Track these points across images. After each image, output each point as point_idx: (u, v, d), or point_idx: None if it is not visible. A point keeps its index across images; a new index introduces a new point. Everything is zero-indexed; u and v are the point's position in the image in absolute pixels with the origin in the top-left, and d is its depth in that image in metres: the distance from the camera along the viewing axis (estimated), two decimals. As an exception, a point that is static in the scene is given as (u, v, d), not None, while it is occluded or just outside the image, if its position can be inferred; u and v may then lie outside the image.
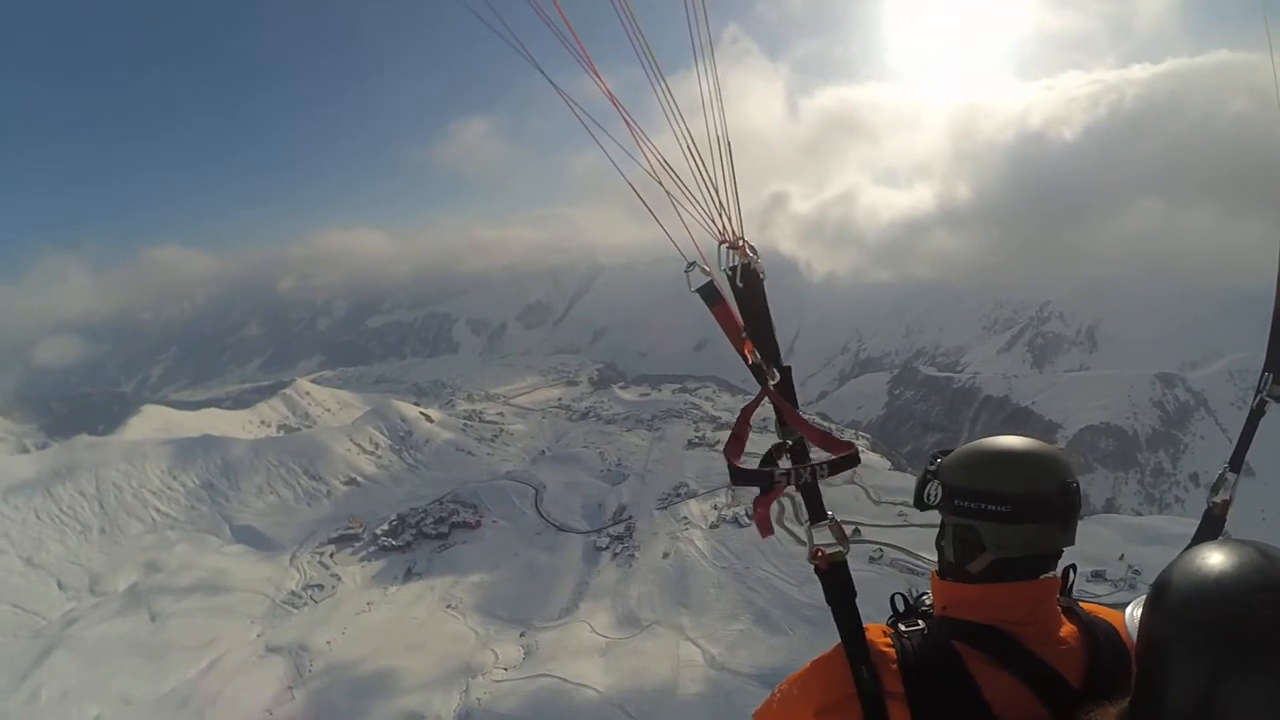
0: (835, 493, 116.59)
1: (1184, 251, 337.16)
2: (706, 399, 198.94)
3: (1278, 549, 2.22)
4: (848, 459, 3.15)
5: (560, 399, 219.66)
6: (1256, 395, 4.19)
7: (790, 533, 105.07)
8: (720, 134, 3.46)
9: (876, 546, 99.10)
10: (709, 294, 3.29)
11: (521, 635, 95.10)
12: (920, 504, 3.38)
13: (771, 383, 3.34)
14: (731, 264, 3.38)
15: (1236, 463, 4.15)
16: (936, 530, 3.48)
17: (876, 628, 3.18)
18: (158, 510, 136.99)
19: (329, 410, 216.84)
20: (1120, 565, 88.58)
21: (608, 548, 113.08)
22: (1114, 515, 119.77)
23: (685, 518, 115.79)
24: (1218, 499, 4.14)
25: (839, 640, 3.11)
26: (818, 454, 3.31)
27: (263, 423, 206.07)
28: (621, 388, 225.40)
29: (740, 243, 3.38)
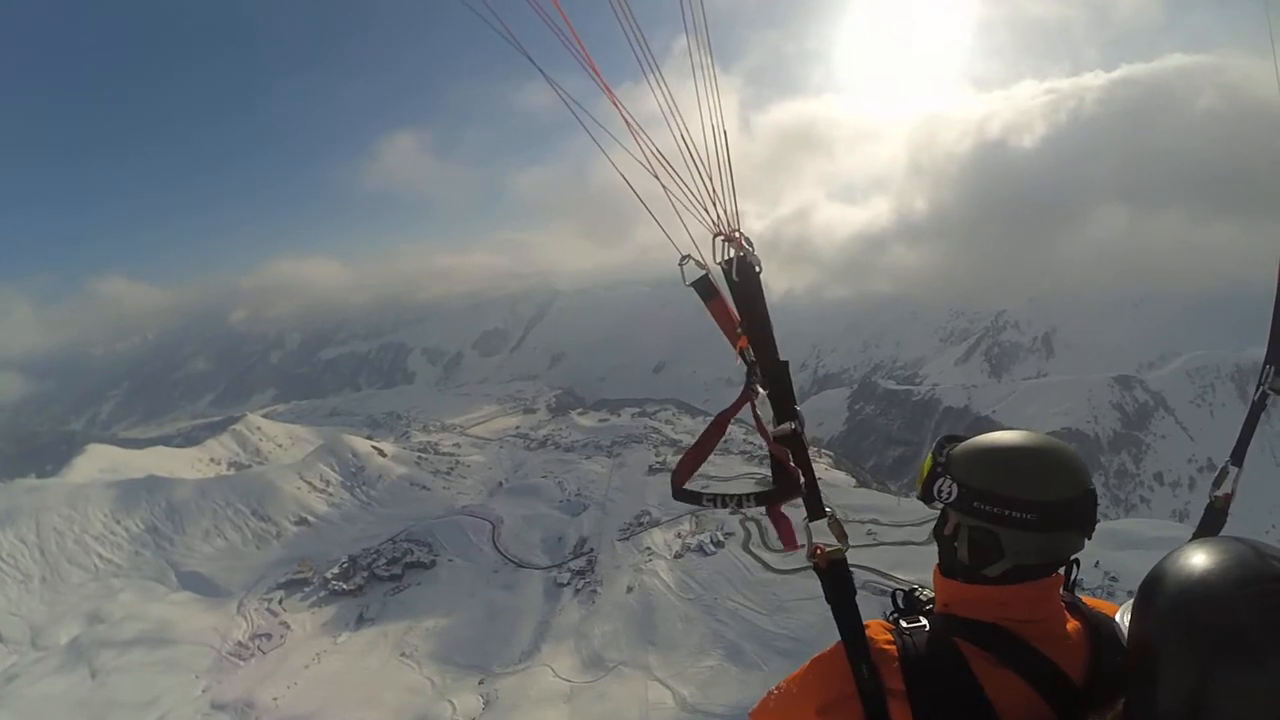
0: (800, 513, 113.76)
1: (1144, 257, 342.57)
2: (666, 422, 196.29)
3: (1267, 544, 2.28)
4: (779, 491, 3.25)
5: (518, 427, 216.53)
6: (1258, 388, 4.05)
7: (758, 559, 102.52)
8: (716, 124, 3.37)
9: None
10: (704, 288, 3.33)
11: (480, 683, 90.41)
12: (928, 500, 3.25)
13: (760, 390, 3.29)
14: (727, 257, 3.32)
15: (1238, 456, 4.01)
16: (935, 521, 3.40)
17: (878, 624, 3.18)
18: (100, 556, 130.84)
19: (281, 446, 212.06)
20: (1096, 573, 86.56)
21: (569, 583, 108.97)
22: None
23: (649, 548, 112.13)
24: (1219, 493, 3.98)
25: (839, 639, 3.13)
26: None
27: (212, 460, 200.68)
28: (580, 414, 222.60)
29: (736, 235, 3.32)
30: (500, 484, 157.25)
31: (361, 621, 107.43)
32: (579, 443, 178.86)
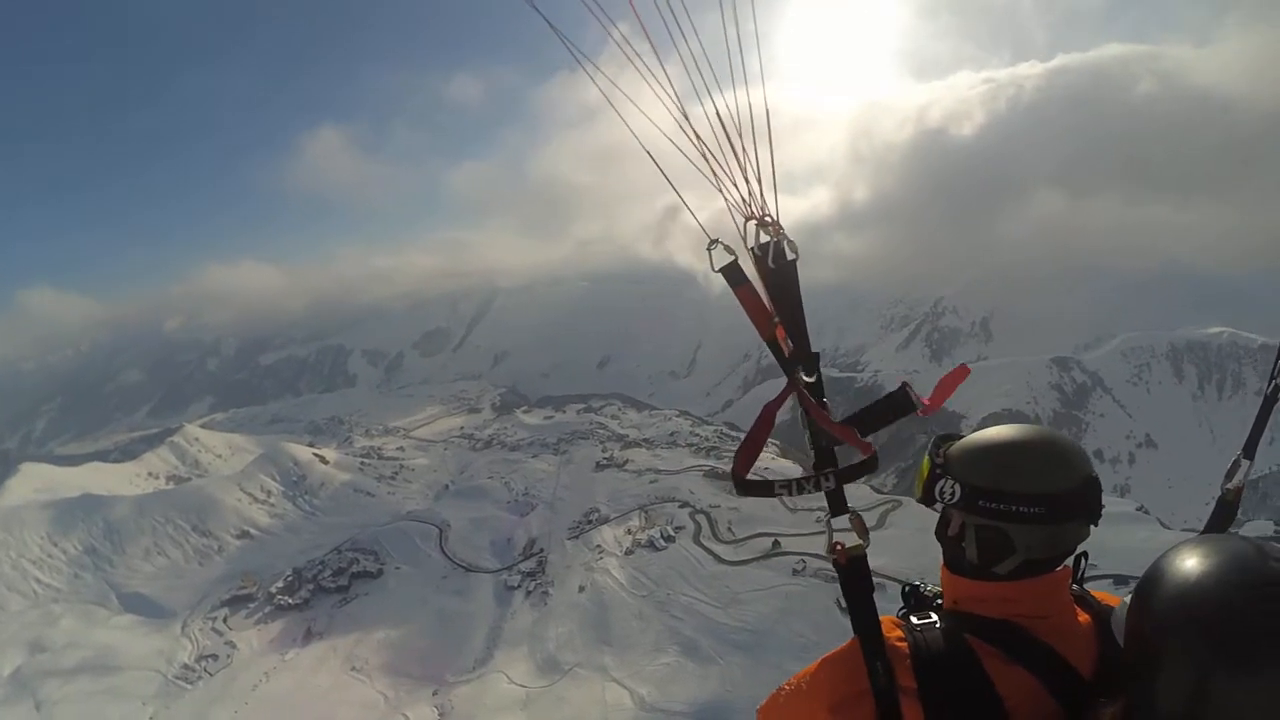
0: (749, 503, 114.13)
1: (1081, 240, 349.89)
2: (612, 417, 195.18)
3: (1270, 544, 2.25)
4: (864, 465, 3.12)
5: (463, 428, 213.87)
6: (1270, 382, 3.94)
7: (710, 552, 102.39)
8: (756, 101, 3.44)
9: (799, 558, 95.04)
10: (733, 274, 3.21)
11: (435, 694, 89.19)
12: (929, 501, 3.26)
13: (806, 378, 3.25)
14: (760, 242, 3.28)
15: (1250, 450, 3.85)
16: (936, 523, 3.42)
17: (889, 621, 3.18)
18: (39, 581, 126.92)
19: (220, 456, 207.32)
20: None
21: (520, 586, 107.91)
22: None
23: (599, 546, 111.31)
24: (1231, 485, 3.86)
25: (848, 636, 3.14)
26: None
27: (150, 474, 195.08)
28: (525, 412, 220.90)
29: (770, 219, 3.30)
30: (446, 486, 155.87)
31: (309, 636, 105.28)
32: (525, 441, 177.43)
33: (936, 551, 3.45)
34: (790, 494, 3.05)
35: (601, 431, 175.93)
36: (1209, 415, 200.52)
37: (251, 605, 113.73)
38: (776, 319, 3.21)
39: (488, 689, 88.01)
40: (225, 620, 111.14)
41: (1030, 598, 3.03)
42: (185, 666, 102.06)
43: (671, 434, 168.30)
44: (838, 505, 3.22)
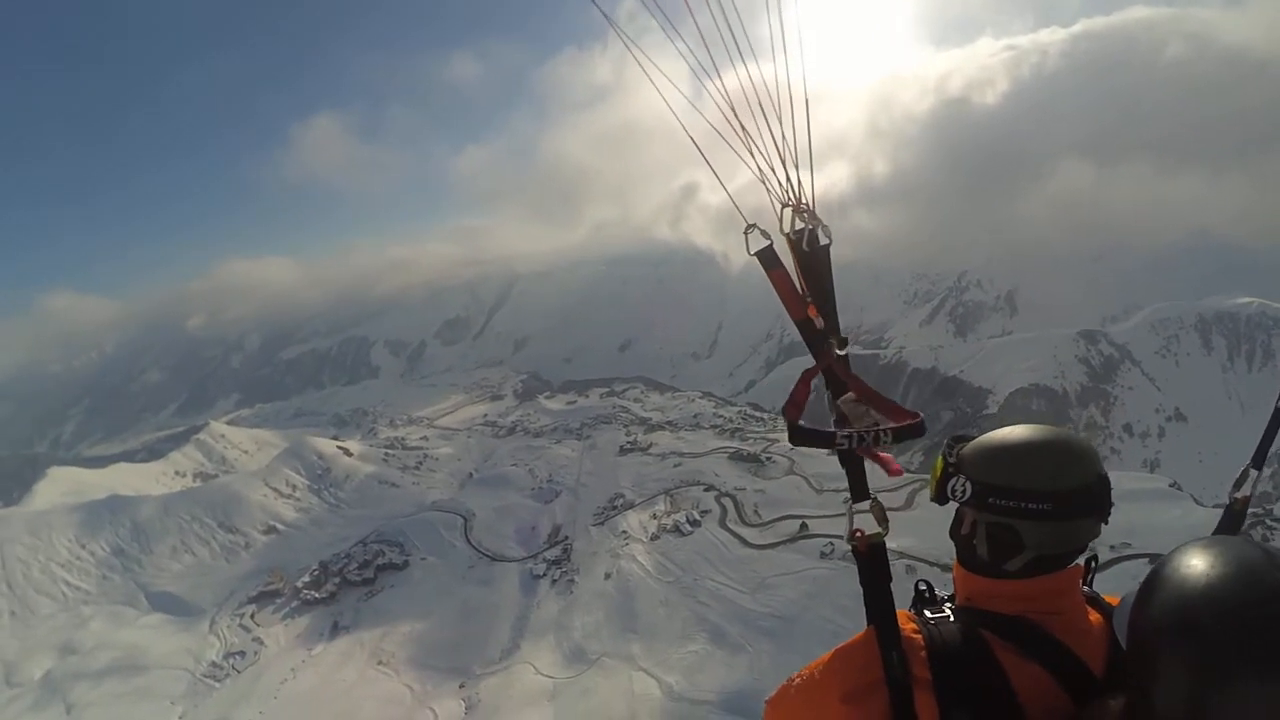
0: (775, 485, 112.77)
1: (1105, 211, 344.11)
2: (635, 400, 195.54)
3: (1271, 548, 2.23)
4: (912, 428, 3.27)
5: (486, 415, 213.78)
6: None
7: (736, 535, 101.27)
8: (790, 85, 3.59)
9: (826, 540, 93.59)
10: (768, 258, 3.36)
11: (461, 686, 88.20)
12: (942, 500, 3.35)
13: (838, 351, 3.43)
14: (796, 228, 3.48)
15: (1259, 460, 3.98)
16: (951, 522, 3.49)
17: (901, 614, 3.24)
18: (68, 584, 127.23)
19: (246, 452, 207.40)
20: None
21: (545, 574, 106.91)
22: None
23: (624, 532, 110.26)
24: (1239, 495, 3.97)
25: (864, 627, 3.22)
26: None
27: (177, 473, 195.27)
28: (548, 397, 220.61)
29: (805, 207, 3.52)
30: (470, 475, 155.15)
31: (336, 630, 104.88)
32: (548, 427, 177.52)
33: None
34: (849, 445, 3.18)
35: (624, 415, 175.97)
36: (1238, 387, 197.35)
37: (278, 601, 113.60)
38: (809, 297, 3.34)
39: (514, 680, 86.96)
40: (253, 616, 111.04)
41: (1043, 595, 3.09)
42: (213, 664, 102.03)
43: (695, 416, 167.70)
44: (860, 490, 3.35)
